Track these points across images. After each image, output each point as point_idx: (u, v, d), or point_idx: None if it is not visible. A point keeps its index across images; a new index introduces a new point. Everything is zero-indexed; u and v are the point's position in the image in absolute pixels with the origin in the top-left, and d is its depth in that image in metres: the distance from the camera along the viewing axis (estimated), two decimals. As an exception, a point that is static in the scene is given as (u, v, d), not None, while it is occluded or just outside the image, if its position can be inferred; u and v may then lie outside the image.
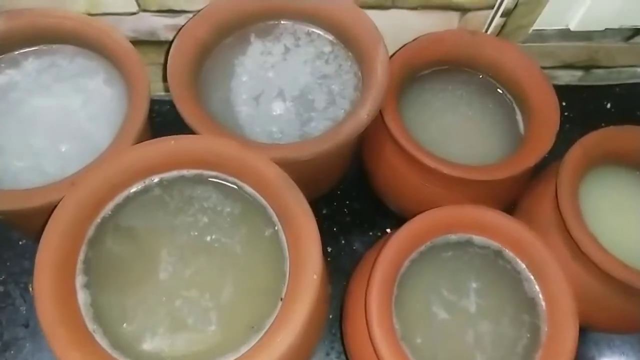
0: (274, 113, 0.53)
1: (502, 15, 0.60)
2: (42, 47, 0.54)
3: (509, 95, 0.60)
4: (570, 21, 0.65)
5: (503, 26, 0.62)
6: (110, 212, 0.44)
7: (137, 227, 0.44)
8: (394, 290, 0.45)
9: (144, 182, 0.45)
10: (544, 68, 0.58)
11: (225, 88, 0.54)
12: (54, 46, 0.54)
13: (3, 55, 0.54)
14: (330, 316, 0.60)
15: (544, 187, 0.55)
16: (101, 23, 0.53)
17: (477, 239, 0.48)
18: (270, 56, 0.56)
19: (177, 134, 0.45)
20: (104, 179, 0.43)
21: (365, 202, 0.67)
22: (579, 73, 0.75)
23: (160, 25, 0.59)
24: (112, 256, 0.43)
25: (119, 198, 0.45)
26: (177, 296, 0.42)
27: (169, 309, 0.41)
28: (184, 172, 0.46)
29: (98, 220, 0.44)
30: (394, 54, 0.57)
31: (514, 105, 0.59)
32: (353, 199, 0.68)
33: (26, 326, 0.59)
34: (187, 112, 0.47)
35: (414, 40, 0.59)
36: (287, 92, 0.54)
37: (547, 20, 0.63)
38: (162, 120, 0.67)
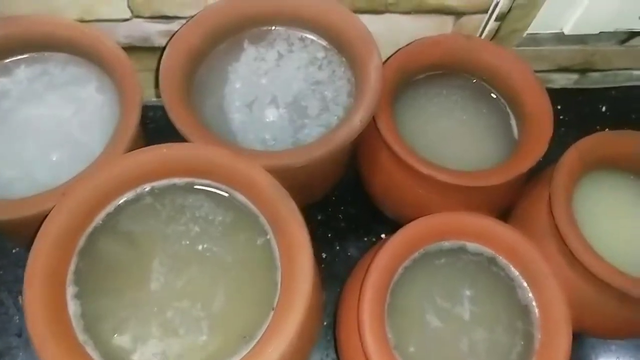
0: (267, 120, 0.53)
1: (496, 19, 0.60)
2: (34, 54, 0.54)
3: (503, 100, 0.59)
4: (564, 25, 0.65)
5: (497, 30, 0.62)
6: (101, 222, 0.44)
7: (129, 236, 0.44)
8: (387, 298, 0.44)
9: (136, 191, 0.45)
10: (539, 72, 0.58)
11: (218, 95, 0.54)
12: (46, 54, 0.54)
13: (-5, 64, 0.53)
14: (325, 323, 0.60)
15: (539, 191, 0.54)
16: (94, 30, 0.52)
17: (471, 245, 0.47)
18: (264, 62, 0.56)
19: (171, 141, 0.45)
20: (95, 188, 0.43)
21: (360, 208, 0.67)
22: (574, 76, 0.75)
23: (154, 31, 0.59)
24: (104, 266, 0.43)
25: (110, 207, 0.44)
26: (168, 307, 0.42)
27: (160, 319, 0.41)
28: (176, 180, 0.46)
29: (89, 229, 0.43)
30: (388, 58, 0.57)
31: (508, 109, 0.59)
32: (348, 205, 0.67)
33: (19, 335, 0.58)
34: (179, 119, 0.47)
35: (408, 44, 0.59)
36: (281, 98, 0.54)
37: (541, 24, 0.62)
38: (156, 126, 0.66)
